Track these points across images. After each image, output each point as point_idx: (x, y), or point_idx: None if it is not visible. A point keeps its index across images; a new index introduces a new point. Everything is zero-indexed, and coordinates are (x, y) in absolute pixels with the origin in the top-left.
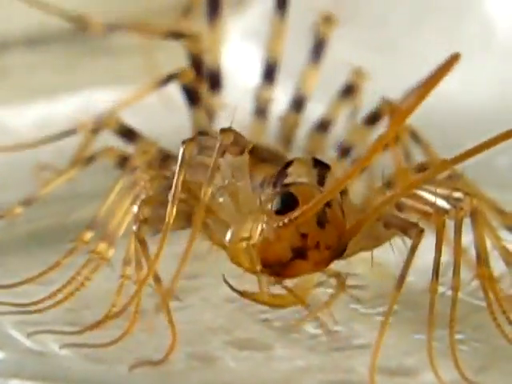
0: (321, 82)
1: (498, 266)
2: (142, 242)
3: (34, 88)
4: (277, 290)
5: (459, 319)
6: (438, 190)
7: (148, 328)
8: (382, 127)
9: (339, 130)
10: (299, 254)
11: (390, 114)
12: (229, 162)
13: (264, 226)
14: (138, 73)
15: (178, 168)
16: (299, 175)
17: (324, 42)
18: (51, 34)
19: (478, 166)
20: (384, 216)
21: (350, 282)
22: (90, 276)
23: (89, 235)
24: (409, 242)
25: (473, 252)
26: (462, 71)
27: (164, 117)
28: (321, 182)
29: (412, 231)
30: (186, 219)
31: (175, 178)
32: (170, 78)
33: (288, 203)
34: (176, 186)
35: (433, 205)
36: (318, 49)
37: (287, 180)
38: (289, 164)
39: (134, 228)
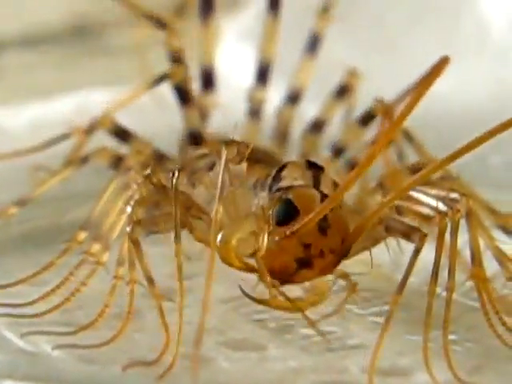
0: (317, 82)
1: (491, 266)
2: (135, 243)
3: (30, 88)
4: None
5: (453, 320)
6: (435, 192)
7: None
8: (375, 127)
9: (333, 131)
10: (304, 263)
11: (384, 114)
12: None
13: (266, 237)
14: (135, 73)
15: (173, 200)
16: (294, 178)
17: (319, 36)
18: (47, 35)
19: (471, 166)
20: (385, 220)
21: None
22: (86, 281)
23: (83, 236)
24: (403, 242)
25: (466, 253)
26: (458, 71)
27: (158, 116)
28: (316, 183)
29: (415, 235)
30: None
31: (173, 209)
32: (162, 78)
33: (289, 213)
34: (176, 220)
35: (433, 208)
36: (314, 42)
37: (282, 183)
38: (283, 167)
39: (128, 229)
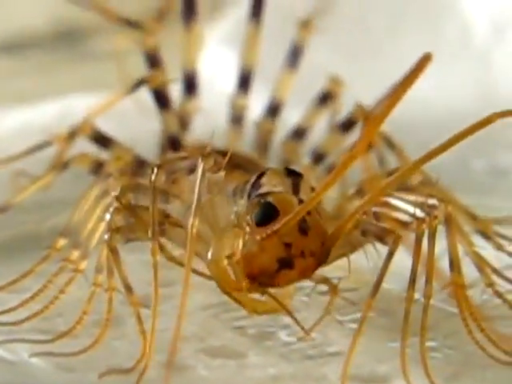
0: (299, 89)
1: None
2: (113, 251)
3: (13, 94)
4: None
5: (432, 326)
6: (413, 198)
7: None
8: (356, 134)
9: (315, 138)
10: (285, 263)
11: (364, 119)
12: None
13: (246, 239)
14: (120, 79)
15: (152, 198)
16: (273, 185)
17: (301, 48)
18: (31, 40)
19: (454, 170)
20: (362, 224)
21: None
22: (65, 288)
23: (62, 243)
24: (383, 249)
25: (445, 259)
26: (441, 75)
27: (140, 122)
28: (295, 190)
29: (389, 238)
30: (159, 229)
31: (150, 208)
32: (140, 83)
33: (268, 214)
34: (153, 220)
35: (411, 214)
36: (295, 54)
37: (261, 190)
38: (262, 174)
39: (106, 237)
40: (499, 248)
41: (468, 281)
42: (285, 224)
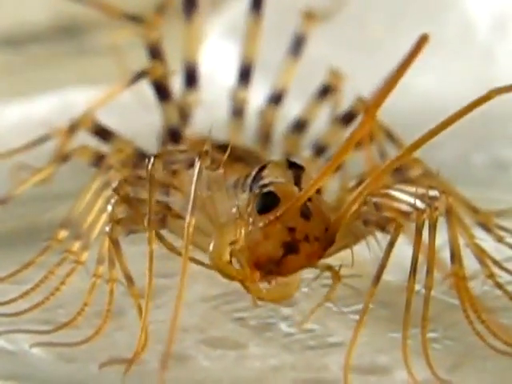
0: (300, 82)
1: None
2: (114, 243)
3: (13, 88)
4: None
5: (433, 317)
6: (414, 189)
7: None
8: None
9: (316, 130)
10: (290, 248)
11: (365, 112)
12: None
13: (250, 227)
14: (120, 72)
15: (149, 187)
16: (275, 177)
17: (304, 37)
18: (31, 34)
19: (454, 164)
20: (363, 214)
21: (327, 280)
22: (66, 280)
23: (63, 234)
24: (384, 242)
25: (446, 251)
26: (442, 71)
27: (141, 115)
28: (296, 182)
29: (390, 226)
30: (160, 221)
31: (148, 198)
32: (140, 75)
33: (270, 201)
34: (150, 208)
35: (411, 204)
36: (298, 43)
37: (263, 182)
38: (263, 167)
39: (107, 229)
40: (499, 240)
41: (469, 272)
42: (287, 209)
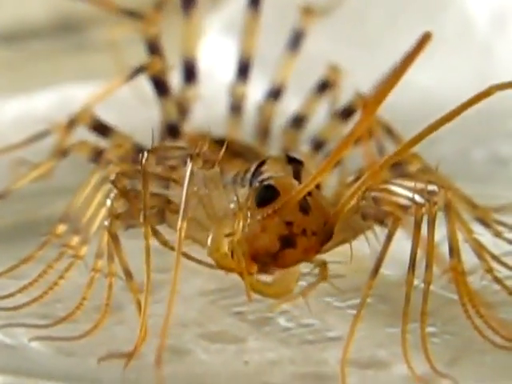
0: (299, 77)
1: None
2: (113, 237)
3: (12, 84)
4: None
5: (432, 312)
6: (413, 184)
7: None
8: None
9: (314, 126)
10: (288, 242)
11: (364, 107)
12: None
13: (248, 220)
14: (119, 68)
15: (142, 182)
16: (274, 172)
17: (303, 32)
18: (30, 30)
19: (454, 160)
20: (362, 208)
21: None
22: (65, 274)
23: (62, 228)
24: (382, 237)
25: (444, 245)
26: (442, 67)
27: (140, 111)
28: (296, 177)
29: (388, 220)
30: (159, 215)
31: (143, 193)
32: (139, 70)
33: (269, 194)
34: (145, 203)
35: (410, 198)
36: (297, 38)
37: (263, 176)
38: (263, 162)
39: (106, 223)
40: (498, 235)
41: (467, 267)
42: (285, 202)
